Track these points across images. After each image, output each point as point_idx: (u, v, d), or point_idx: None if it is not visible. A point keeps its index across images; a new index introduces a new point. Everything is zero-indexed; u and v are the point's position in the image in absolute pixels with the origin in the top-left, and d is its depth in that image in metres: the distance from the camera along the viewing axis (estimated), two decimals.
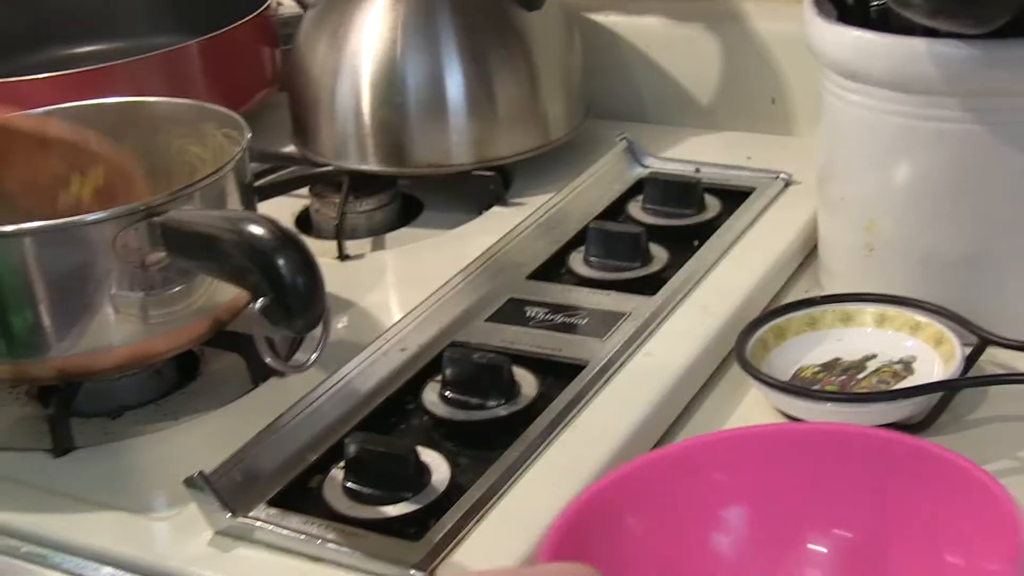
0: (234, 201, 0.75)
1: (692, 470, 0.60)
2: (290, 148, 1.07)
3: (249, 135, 0.78)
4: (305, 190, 1.03)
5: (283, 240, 0.60)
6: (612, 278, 0.84)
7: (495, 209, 0.98)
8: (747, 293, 0.82)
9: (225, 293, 0.75)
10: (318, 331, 0.63)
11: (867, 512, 0.58)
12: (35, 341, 0.72)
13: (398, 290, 0.90)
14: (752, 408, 0.73)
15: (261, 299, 0.60)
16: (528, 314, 0.81)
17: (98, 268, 0.70)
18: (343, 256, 0.93)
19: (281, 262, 0.59)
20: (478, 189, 0.99)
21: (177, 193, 0.71)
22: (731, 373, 0.77)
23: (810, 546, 0.59)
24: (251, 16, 1.11)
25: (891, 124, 0.75)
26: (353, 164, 1.00)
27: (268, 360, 0.63)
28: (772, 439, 0.61)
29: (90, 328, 0.72)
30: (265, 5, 1.13)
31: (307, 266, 0.60)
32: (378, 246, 0.97)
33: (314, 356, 0.64)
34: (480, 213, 0.98)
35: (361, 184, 1.00)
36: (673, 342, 0.77)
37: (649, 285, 0.83)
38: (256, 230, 0.61)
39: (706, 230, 0.90)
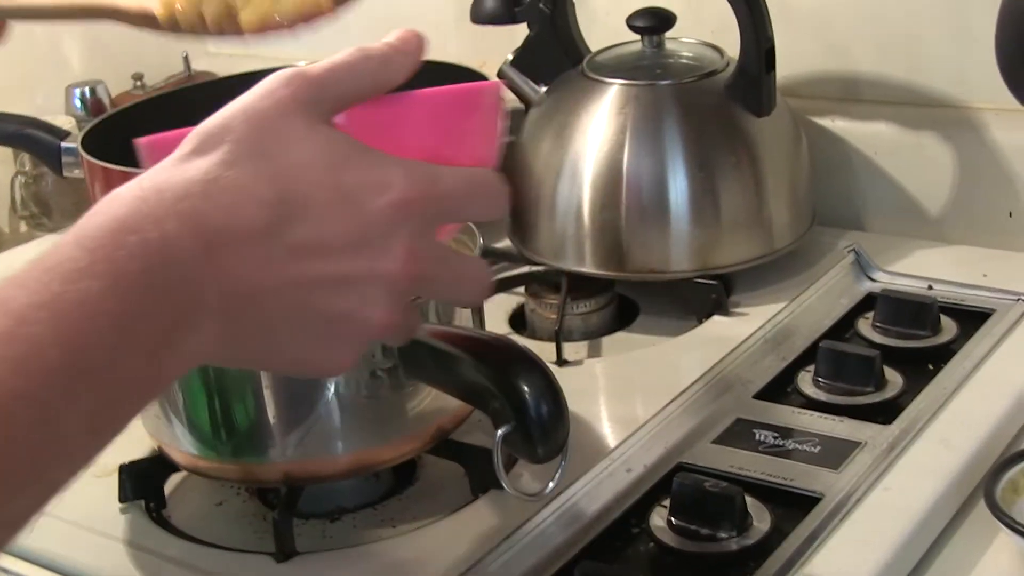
0: (465, 310, 0.75)
1: None
2: (505, 243, 1.06)
3: (480, 241, 0.78)
4: (520, 288, 1.02)
5: (529, 368, 0.59)
6: (844, 402, 0.81)
7: (716, 318, 0.95)
8: (991, 427, 0.77)
9: (450, 402, 0.74)
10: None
11: None
12: (262, 443, 0.72)
13: (620, 402, 0.88)
14: (1000, 555, 0.69)
15: (504, 427, 0.58)
16: (757, 437, 0.78)
17: None
18: (561, 361, 0.91)
19: (526, 390, 0.58)
20: (698, 297, 0.96)
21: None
22: (976, 514, 0.72)
23: None
24: None
25: None
26: (571, 265, 0.99)
27: (505, 486, 0.62)
28: None
29: (316, 433, 0.72)
30: None
31: (552, 394, 0.58)
32: (595, 351, 0.95)
33: (551, 485, 0.62)
34: (700, 321, 0.96)
35: (578, 285, 0.98)
36: (913, 477, 0.73)
37: (884, 412, 0.79)
38: (500, 355, 0.60)
39: (943, 354, 0.86)
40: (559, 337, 0.92)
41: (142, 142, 0.56)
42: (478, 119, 0.57)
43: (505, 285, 1.02)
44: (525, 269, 1.03)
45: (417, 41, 0.55)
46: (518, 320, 1.02)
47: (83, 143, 0.89)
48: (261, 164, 0.50)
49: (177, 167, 0.50)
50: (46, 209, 1.26)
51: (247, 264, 0.49)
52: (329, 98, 0.52)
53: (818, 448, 0.76)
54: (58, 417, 0.44)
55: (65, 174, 1.11)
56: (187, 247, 0.47)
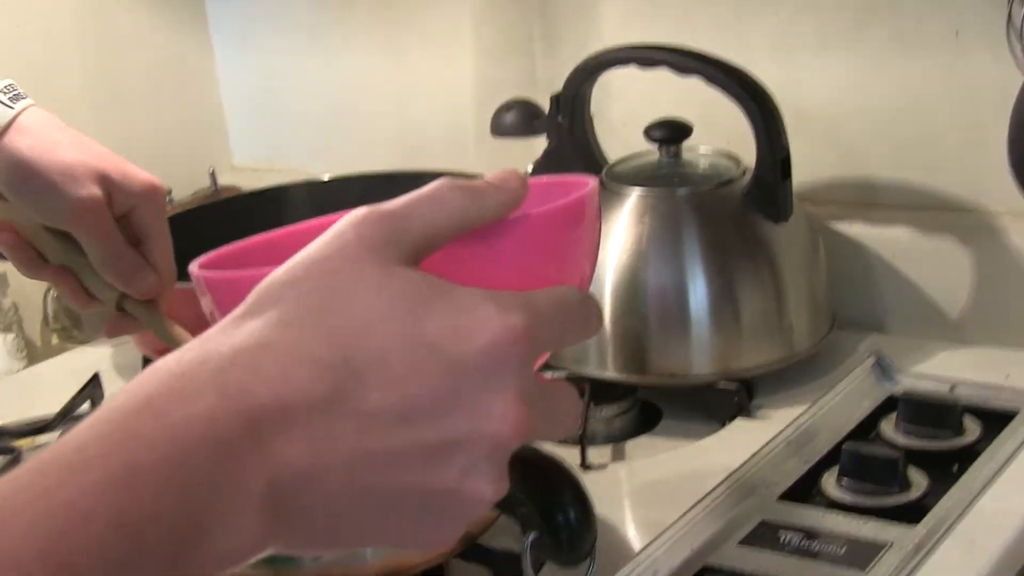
0: None
1: None
2: None
3: None
4: None
5: (557, 475, 0.60)
6: (869, 504, 0.81)
7: (739, 422, 0.96)
8: (1019, 528, 0.77)
9: None
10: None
11: None
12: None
13: (645, 505, 0.88)
14: None
15: (532, 534, 0.59)
16: (782, 539, 0.78)
17: None
18: (586, 465, 0.92)
19: (554, 497, 0.59)
20: (720, 401, 0.97)
21: None
22: None
23: None
24: None
25: None
26: (593, 371, 1.00)
27: None
28: None
29: None
30: None
31: (580, 500, 0.59)
32: (618, 455, 0.96)
33: None
34: (722, 424, 0.96)
35: (601, 390, 0.99)
36: None
37: (910, 513, 0.79)
38: (528, 461, 0.61)
39: (967, 455, 0.86)
40: (583, 441, 0.92)
41: (206, 277, 0.50)
42: (580, 230, 0.50)
43: None
44: (548, 375, 1.04)
45: (518, 181, 0.47)
46: None
47: None
48: (322, 322, 0.42)
49: (227, 332, 0.42)
50: (77, 322, 1.28)
51: (303, 443, 0.40)
52: (410, 236, 0.44)
53: (844, 549, 0.76)
54: None
55: None
56: (223, 427, 0.39)
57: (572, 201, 0.49)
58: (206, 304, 0.51)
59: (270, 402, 0.40)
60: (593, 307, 0.47)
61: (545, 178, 0.52)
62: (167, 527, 0.38)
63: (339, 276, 0.43)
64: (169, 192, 1.35)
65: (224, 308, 0.46)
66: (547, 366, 1.03)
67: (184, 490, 0.38)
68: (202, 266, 0.52)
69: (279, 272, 0.44)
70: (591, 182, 0.51)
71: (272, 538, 0.41)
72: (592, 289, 0.97)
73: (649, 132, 1.03)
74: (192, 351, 0.41)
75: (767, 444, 0.88)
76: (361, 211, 0.44)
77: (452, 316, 0.43)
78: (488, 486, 0.43)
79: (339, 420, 0.41)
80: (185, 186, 1.36)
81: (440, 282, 0.43)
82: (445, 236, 0.45)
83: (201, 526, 0.39)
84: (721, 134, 1.07)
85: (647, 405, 1.02)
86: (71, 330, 1.28)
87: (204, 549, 0.39)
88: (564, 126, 1.08)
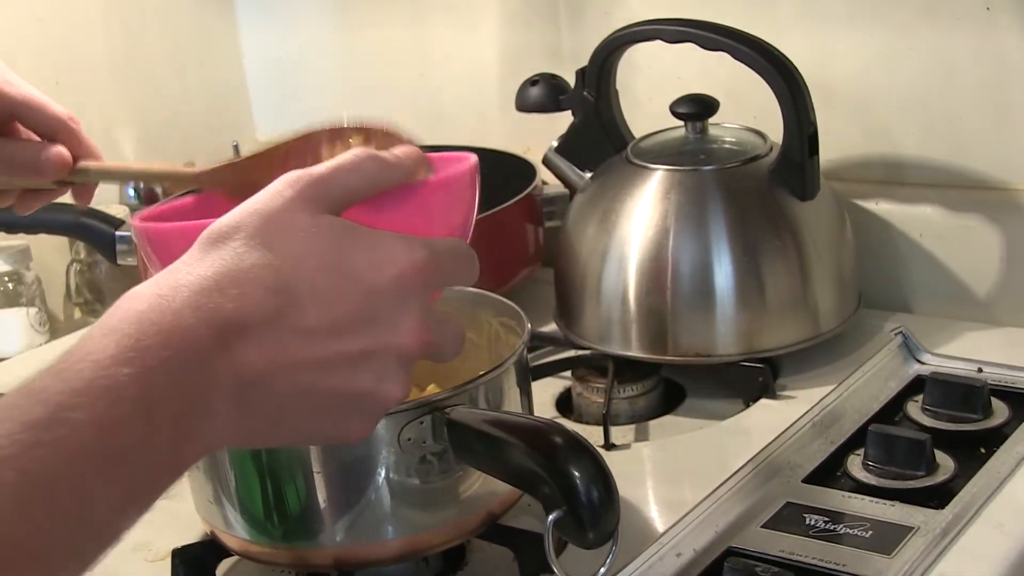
0: (514, 395, 0.75)
1: None
2: (551, 327, 1.07)
3: (529, 327, 0.78)
4: (566, 372, 1.02)
5: (579, 453, 0.59)
6: (895, 486, 0.80)
7: (763, 402, 0.95)
8: None
9: (500, 486, 0.74)
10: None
11: None
12: (312, 528, 0.72)
13: (669, 485, 0.87)
14: None
15: (555, 513, 0.58)
16: (807, 522, 0.77)
17: (378, 460, 0.70)
18: (609, 445, 0.91)
19: (577, 476, 0.58)
20: (745, 380, 0.96)
21: (460, 388, 0.71)
22: None
23: None
24: (519, 197, 1.12)
25: None
26: (617, 349, 0.99)
27: (557, 571, 0.62)
28: None
29: (366, 518, 0.72)
30: (532, 186, 1.15)
31: (603, 480, 0.58)
32: (642, 434, 0.95)
33: (603, 571, 0.62)
34: (747, 404, 0.96)
35: (624, 369, 0.99)
36: (969, 563, 0.72)
37: (937, 496, 0.79)
38: (551, 440, 0.60)
39: (994, 437, 0.85)
40: (606, 421, 0.92)
41: (144, 228, 0.63)
42: (459, 196, 0.64)
43: (552, 369, 1.02)
44: (571, 353, 1.03)
45: (418, 156, 0.61)
46: (565, 404, 1.02)
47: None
48: (268, 255, 0.53)
49: (191, 264, 0.53)
50: (100, 296, 1.28)
51: (259, 350, 0.52)
52: (333, 194, 0.56)
53: (870, 533, 0.76)
54: (92, 497, 0.47)
55: (119, 262, 1.13)
56: (202, 337, 0.51)
57: (457, 172, 0.63)
58: (146, 255, 0.63)
59: (233, 316, 0.52)
60: (474, 258, 0.60)
61: (438, 155, 0.65)
62: (171, 413, 0.50)
63: (279, 221, 0.54)
64: (192, 166, 1.34)
65: (162, 256, 0.62)
66: (572, 345, 1.02)
67: (180, 384, 0.50)
68: (143, 219, 0.65)
69: (226, 219, 0.55)
70: (472, 158, 0.65)
71: (236, 429, 0.53)
72: (617, 265, 0.98)
73: (675, 108, 1.02)
74: (165, 278, 0.53)
75: (792, 425, 0.88)
76: (294, 173, 0.56)
77: (369, 251, 0.55)
78: (396, 387, 0.56)
79: (285, 332, 0.53)
80: (208, 160, 1.35)
81: (359, 226, 0.56)
82: (362, 195, 0.57)
83: (193, 414, 0.51)
84: (748, 110, 1.06)
85: (671, 384, 1.01)
86: (93, 303, 1.28)
87: (195, 434, 0.51)
88: (590, 101, 1.07)
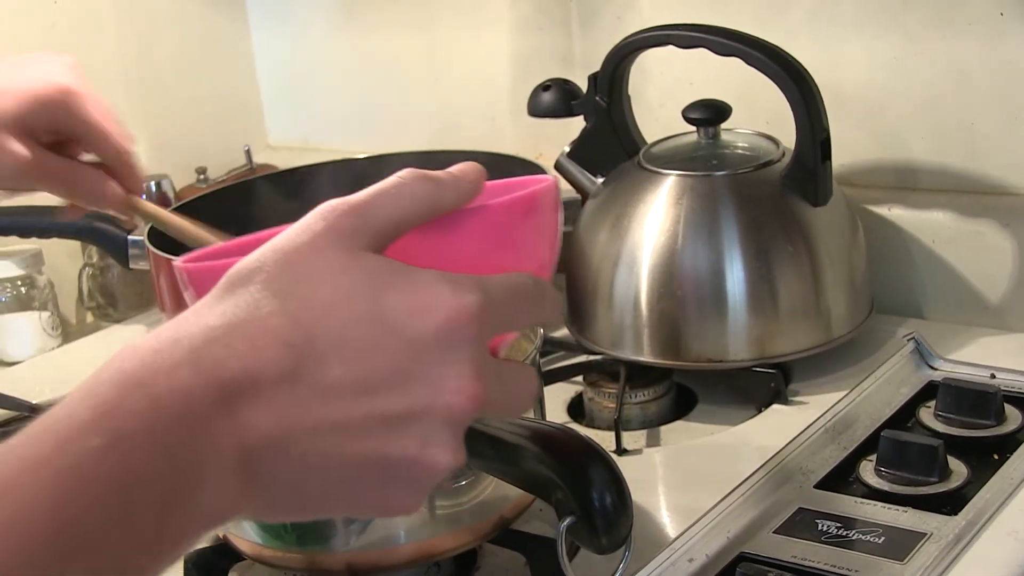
0: None
1: None
2: (563, 332, 1.07)
3: (541, 332, 0.78)
4: (578, 377, 1.02)
5: (593, 459, 0.59)
6: (908, 492, 0.80)
7: (775, 407, 0.95)
8: None
9: (512, 491, 0.74)
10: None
11: None
12: (325, 533, 0.72)
13: (681, 491, 0.87)
14: None
15: (568, 518, 0.58)
16: (820, 527, 0.77)
17: None
18: (621, 450, 0.91)
19: (591, 481, 0.58)
20: (757, 386, 0.96)
21: None
22: None
23: None
24: None
25: None
26: (629, 354, 0.99)
27: None
28: None
29: (378, 523, 0.72)
30: None
31: (616, 485, 0.58)
32: (654, 440, 0.95)
33: None
34: (759, 410, 0.95)
35: (636, 374, 0.99)
36: (982, 570, 0.72)
37: (949, 503, 0.79)
38: (564, 445, 0.60)
39: (1008, 444, 0.85)
40: (618, 426, 0.92)
41: (185, 267, 0.53)
42: (536, 222, 0.53)
43: (564, 374, 1.02)
44: (583, 358, 1.03)
45: (476, 173, 0.52)
46: (576, 409, 1.02)
47: (149, 236, 0.91)
48: (288, 303, 0.46)
49: (201, 312, 0.46)
50: (112, 300, 1.28)
51: (269, 412, 0.45)
52: (373, 225, 0.48)
53: (882, 539, 0.75)
54: None
55: (131, 266, 1.13)
56: (199, 398, 0.44)
57: (526, 194, 0.53)
58: (189, 297, 0.53)
59: (240, 375, 0.44)
60: (547, 293, 0.51)
61: (503, 181, 0.56)
62: (153, 490, 0.42)
63: (304, 261, 0.47)
64: (204, 170, 1.35)
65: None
66: (584, 350, 1.02)
67: (167, 456, 0.43)
68: (186, 261, 0.54)
69: (248, 259, 0.48)
70: (548, 179, 0.55)
71: (246, 502, 0.45)
72: (629, 271, 0.98)
73: (687, 113, 1.02)
74: (168, 330, 0.46)
75: (804, 430, 0.87)
76: (329, 203, 0.48)
77: (410, 295, 0.47)
78: (445, 455, 0.47)
79: (303, 392, 0.45)
80: (220, 164, 1.36)
81: (399, 265, 0.47)
82: (408, 224, 0.49)
83: (183, 489, 0.43)
84: (760, 115, 1.06)
85: (683, 389, 1.01)
86: (106, 307, 1.29)
87: (186, 511, 0.44)
88: (602, 106, 1.07)
